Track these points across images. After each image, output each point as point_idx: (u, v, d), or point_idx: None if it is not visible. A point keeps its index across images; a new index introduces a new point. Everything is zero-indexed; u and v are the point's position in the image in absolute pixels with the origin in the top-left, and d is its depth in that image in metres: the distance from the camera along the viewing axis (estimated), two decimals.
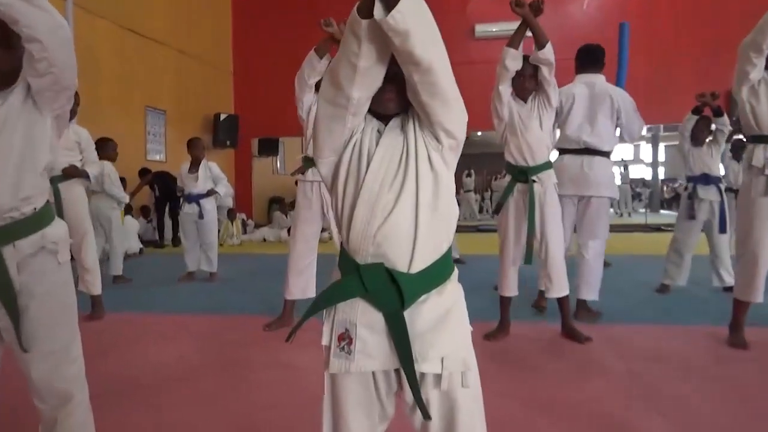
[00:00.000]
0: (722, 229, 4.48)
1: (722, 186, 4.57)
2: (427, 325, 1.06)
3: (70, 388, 1.45)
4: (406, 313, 1.05)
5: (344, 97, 1.02)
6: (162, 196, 9.16)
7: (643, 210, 16.74)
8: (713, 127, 4.58)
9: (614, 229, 10.09)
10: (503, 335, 3.24)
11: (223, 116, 11.22)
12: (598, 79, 3.73)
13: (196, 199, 5.55)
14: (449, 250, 1.12)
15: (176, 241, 9.21)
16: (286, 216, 11.80)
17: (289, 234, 9.91)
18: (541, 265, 3.22)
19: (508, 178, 3.20)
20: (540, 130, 3.08)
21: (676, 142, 4.93)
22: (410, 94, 1.04)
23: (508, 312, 3.28)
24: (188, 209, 5.60)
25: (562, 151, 3.80)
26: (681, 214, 4.69)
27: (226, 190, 5.84)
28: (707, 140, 4.57)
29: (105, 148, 4.97)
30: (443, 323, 1.07)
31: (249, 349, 3.16)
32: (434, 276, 1.08)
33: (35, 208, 1.39)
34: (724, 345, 3.04)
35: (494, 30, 10.56)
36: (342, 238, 1.11)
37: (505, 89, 3.05)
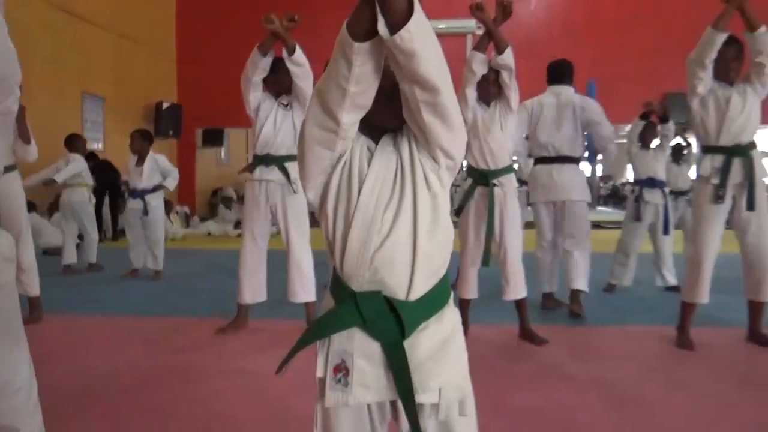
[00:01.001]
0: (666, 231, 4.66)
1: (666, 189, 4.75)
2: (426, 354, 1.01)
3: (15, 423, 1.32)
4: (405, 343, 1.00)
5: (334, 121, 0.96)
6: (100, 187, 8.71)
7: None
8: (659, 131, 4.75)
9: None
10: None
11: (165, 105, 10.81)
12: (565, 90, 3.89)
13: (141, 194, 5.30)
14: (447, 274, 1.08)
15: (116, 235, 8.84)
16: (230, 209, 11.52)
17: (235, 228, 9.74)
18: (500, 267, 3.25)
19: (469, 181, 3.21)
20: (502, 135, 3.09)
21: (618, 142, 5.11)
22: (408, 113, 0.98)
23: (468, 314, 3.29)
24: (133, 205, 5.34)
25: (536, 160, 3.94)
26: (627, 216, 4.85)
27: (174, 183, 5.60)
28: (653, 145, 4.74)
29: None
30: (442, 352, 1.03)
31: (203, 354, 3.04)
32: (433, 302, 1.04)
33: None
34: (674, 346, 3.15)
35: (441, 27, 10.61)
36: (335, 264, 1.05)
37: (471, 92, 3.05)
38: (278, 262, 3.63)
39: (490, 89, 3.09)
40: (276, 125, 3.36)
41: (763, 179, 3.07)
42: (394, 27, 0.84)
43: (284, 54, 3.18)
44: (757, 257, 3.09)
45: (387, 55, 0.91)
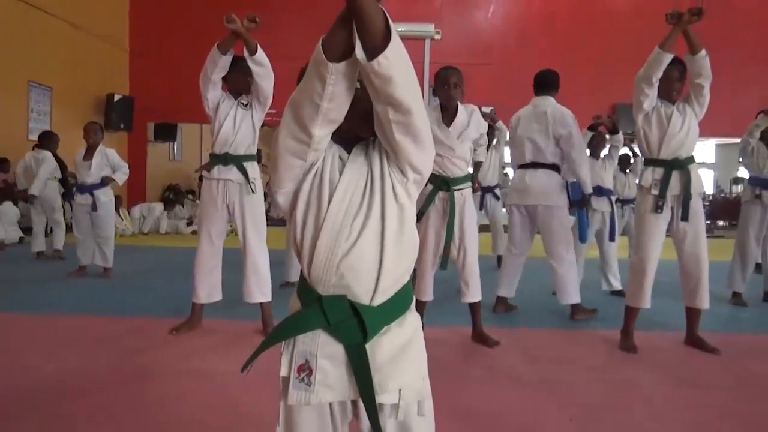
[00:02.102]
0: (612, 238, 4.86)
1: (613, 198, 4.95)
2: (387, 357, 1.05)
3: None
4: (367, 346, 1.04)
5: (306, 134, 0.99)
6: None
7: None
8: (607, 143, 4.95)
9: None
10: None
11: (117, 97, 10.50)
12: (543, 101, 4.02)
13: (89, 189, 5.15)
14: (409, 281, 1.12)
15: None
16: (183, 206, 11.29)
17: (188, 225, 9.56)
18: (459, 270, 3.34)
19: (429, 186, 3.27)
20: (461, 145, 3.21)
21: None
22: (380, 131, 1.01)
23: (423, 316, 3.35)
24: (81, 200, 5.19)
25: (518, 167, 4.06)
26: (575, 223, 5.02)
27: (124, 177, 5.47)
28: (602, 155, 4.93)
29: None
30: (402, 355, 1.08)
31: (156, 355, 2.99)
32: (396, 308, 1.08)
33: None
34: (618, 348, 3.29)
35: (401, 30, 10.66)
36: (302, 268, 1.07)
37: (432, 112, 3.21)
38: (233, 262, 3.60)
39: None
40: (235, 125, 3.34)
41: (700, 191, 3.25)
42: (372, 52, 0.88)
43: (245, 53, 3.17)
44: (693, 267, 3.27)
45: (362, 77, 0.94)
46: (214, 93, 3.29)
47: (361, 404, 1.06)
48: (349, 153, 1.08)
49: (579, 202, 4.04)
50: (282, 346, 1.08)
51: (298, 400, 1.05)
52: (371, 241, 1.03)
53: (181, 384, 2.60)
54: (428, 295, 3.34)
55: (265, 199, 3.56)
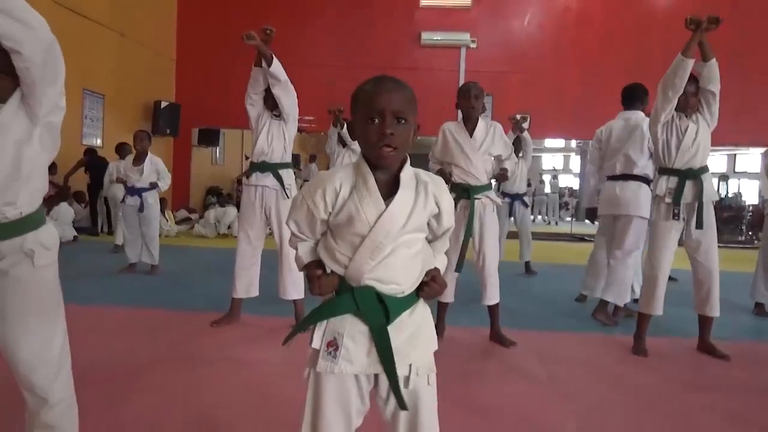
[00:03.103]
0: None
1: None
2: (403, 339, 1.30)
3: (50, 388, 1.54)
4: (388, 328, 1.28)
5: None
6: (95, 182, 8.93)
7: (569, 219, 17.66)
8: None
9: (541, 237, 10.70)
10: (438, 338, 3.50)
11: (164, 104, 11.03)
12: (634, 114, 4.20)
13: (138, 192, 5.55)
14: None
15: (112, 230, 9.02)
16: (223, 207, 11.74)
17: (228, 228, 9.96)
18: (478, 274, 3.55)
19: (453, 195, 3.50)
20: (482, 157, 3.45)
21: None
22: None
23: (444, 317, 3.57)
24: (130, 201, 5.60)
25: (608, 178, 4.29)
26: (599, 231, 5.13)
27: (166, 186, 5.85)
28: None
29: None
30: (415, 337, 1.32)
31: (197, 344, 3.29)
32: (411, 300, 1.32)
33: (21, 213, 1.47)
34: (630, 353, 3.43)
35: (437, 39, 10.92)
36: (338, 267, 1.30)
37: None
38: (270, 262, 3.88)
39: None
40: (269, 136, 3.66)
41: (712, 200, 3.37)
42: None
43: (263, 65, 3.45)
44: (705, 275, 3.39)
45: None
46: (254, 109, 3.64)
47: (381, 377, 1.30)
48: (377, 180, 1.28)
49: None
50: (317, 325, 1.32)
51: (324, 369, 1.29)
52: (400, 257, 1.28)
53: (219, 370, 2.88)
54: (450, 297, 3.55)
55: None
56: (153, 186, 5.65)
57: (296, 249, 1.37)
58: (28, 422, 1.58)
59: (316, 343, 1.31)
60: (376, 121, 1.24)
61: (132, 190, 5.60)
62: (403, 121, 1.25)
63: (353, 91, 1.31)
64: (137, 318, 3.88)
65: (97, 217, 9.11)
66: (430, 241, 1.39)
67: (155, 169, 5.64)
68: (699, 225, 3.32)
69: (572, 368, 3.14)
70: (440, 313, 3.56)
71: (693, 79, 3.31)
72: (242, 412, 2.37)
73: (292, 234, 1.37)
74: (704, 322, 3.47)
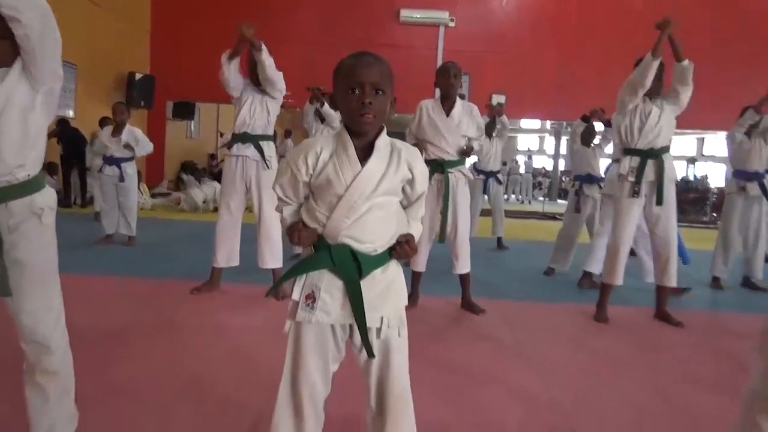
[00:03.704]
0: (602, 222, 5.17)
1: (603, 184, 5.25)
2: (375, 293, 1.42)
3: (51, 335, 1.65)
4: (361, 283, 1.40)
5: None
6: (68, 154, 8.84)
7: (542, 198, 18.01)
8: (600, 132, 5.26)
9: (514, 215, 10.91)
10: (412, 306, 3.67)
11: (138, 76, 10.87)
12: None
13: (117, 162, 5.56)
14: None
15: (85, 202, 8.97)
16: (200, 182, 11.71)
17: (204, 203, 9.97)
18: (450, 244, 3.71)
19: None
20: (456, 134, 3.58)
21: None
22: None
23: (418, 286, 3.73)
24: (108, 171, 5.60)
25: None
26: (568, 208, 5.35)
27: (144, 153, 5.82)
28: (593, 144, 5.24)
29: None
30: (387, 291, 1.44)
31: (179, 311, 3.38)
32: (383, 258, 1.44)
33: (29, 175, 1.58)
34: (593, 320, 3.64)
35: (417, 17, 10.94)
36: (317, 226, 1.41)
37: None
38: (248, 235, 3.97)
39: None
40: (252, 108, 3.74)
41: (672, 178, 3.56)
42: None
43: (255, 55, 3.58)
44: (663, 248, 3.60)
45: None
46: (235, 89, 3.72)
47: (355, 327, 1.43)
48: (356, 147, 1.39)
49: None
50: (296, 279, 1.44)
51: (302, 319, 1.42)
52: (375, 216, 1.39)
53: (202, 335, 2.99)
54: (422, 267, 3.70)
55: None
56: (129, 150, 5.62)
57: (281, 212, 1.49)
58: (28, 375, 1.66)
59: (295, 296, 1.43)
60: (357, 91, 1.35)
61: (110, 160, 5.60)
62: (380, 93, 1.37)
63: (336, 65, 1.42)
64: (117, 287, 3.95)
65: (70, 189, 9.02)
66: (405, 207, 1.50)
67: (134, 138, 5.62)
68: (659, 202, 3.52)
69: (538, 333, 3.34)
70: (414, 282, 3.71)
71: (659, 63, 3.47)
72: (227, 374, 2.47)
73: (278, 198, 1.48)
74: (661, 291, 3.69)
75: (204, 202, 9.89)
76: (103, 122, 7.15)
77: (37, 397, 1.66)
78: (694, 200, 15.42)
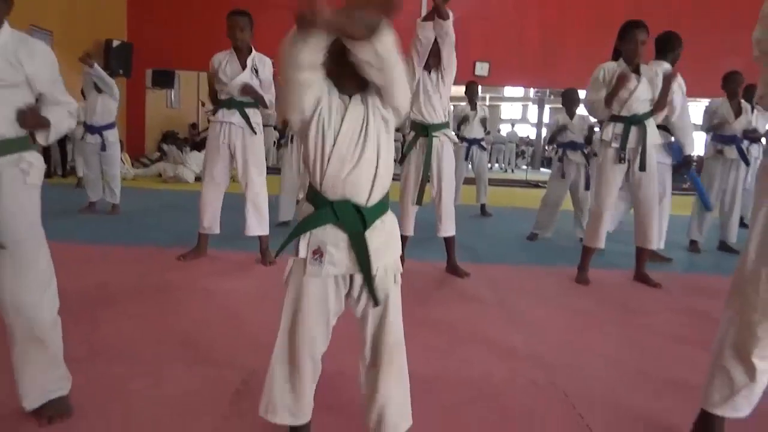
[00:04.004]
0: (586, 187, 5.25)
1: (587, 151, 5.32)
2: (377, 244, 1.47)
3: (40, 302, 1.65)
4: (365, 234, 1.45)
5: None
6: None
7: (525, 167, 18.13)
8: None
9: (498, 183, 10.98)
10: None
11: (116, 43, 10.62)
12: (657, 65, 4.02)
13: (98, 130, 5.49)
14: (387, 191, 1.52)
15: (66, 172, 8.85)
16: (182, 152, 11.58)
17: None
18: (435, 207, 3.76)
19: (412, 134, 3.66)
20: (440, 96, 3.58)
21: (560, 105, 5.62)
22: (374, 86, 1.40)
23: (405, 249, 3.77)
24: (90, 139, 5.53)
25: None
26: (553, 174, 5.42)
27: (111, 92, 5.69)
28: (577, 112, 5.29)
29: None
30: (386, 242, 1.50)
31: (167, 276, 3.41)
32: (382, 209, 1.49)
33: (17, 134, 1.61)
34: (574, 282, 3.74)
35: None
36: (314, 182, 1.46)
37: (417, 59, 3.50)
38: (232, 204, 3.98)
39: (431, 59, 3.53)
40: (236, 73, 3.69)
41: (655, 143, 3.62)
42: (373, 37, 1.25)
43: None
44: (644, 211, 3.68)
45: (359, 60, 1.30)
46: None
47: (354, 278, 1.49)
48: (350, 99, 1.44)
49: (681, 165, 4.38)
50: (300, 237, 1.48)
51: (312, 273, 1.46)
52: (368, 163, 1.43)
53: (192, 298, 3.03)
54: (409, 231, 3.75)
55: None
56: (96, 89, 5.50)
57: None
58: (17, 344, 1.66)
59: (302, 253, 1.48)
60: None
61: (92, 129, 5.53)
62: None
63: None
64: (102, 254, 3.95)
65: (50, 158, 8.88)
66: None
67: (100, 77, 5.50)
68: (642, 167, 3.58)
69: (520, 294, 3.42)
70: (402, 244, 3.75)
71: (643, 28, 3.48)
72: (218, 334, 2.52)
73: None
74: (641, 254, 3.79)
75: (197, 179, 9.72)
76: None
77: (26, 364, 1.67)
78: (674, 167, 15.59)
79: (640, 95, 3.54)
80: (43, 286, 1.68)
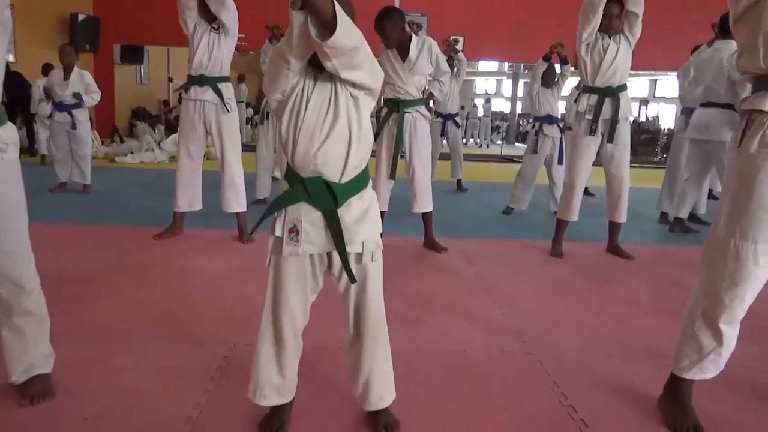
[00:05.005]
0: (560, 161, 5.32)
1: (561, 124, 5.37)
2: (351, 220, 1.47)
3: (26, 275, 1.64)
4: (339, 211, 1.45)
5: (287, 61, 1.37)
6: (11, 100, 8.40)
7: (500, 142, 18.22)
8: (558, 72, 5.33)
9: (473, 158, 11.05)
10: None
11: (81, 17, 10.30)
12: (725, 44, 4.28)
13: (68, 108, 5.35)
14: (366, 167, 1.52)
15: (33, 151, 8.63)
16: (154, 130, 11.37)
17: (159, 146, 9.69)
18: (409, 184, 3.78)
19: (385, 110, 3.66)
20: (412, 74, 3.59)
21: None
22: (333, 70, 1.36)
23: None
24: (59, 117, 5.40)
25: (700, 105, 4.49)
26: (528, 148, 5.46)
27: (93, 102, 5.63)
28: (552, 84, 5.32)
29: None
30: (363, 218, 1.49)
31: (144, 254, 3.38)
32: (357, 186, 1.48)
33: None
34: (548, 254, 3.82)
35: None
36: (288, 159, 1.46)
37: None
38: (209, 182, 3.94)
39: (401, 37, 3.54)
40: (209, 48, 3.60)
41: (627, 116, 3.67)
42: (323, 32, 1.23)
43: None
44: (616, 186, 3.75)
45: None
46: (190, 14, 3.52)
47: (334, 255, 1.49)
48: (318, 75, 1.42)
49: None
50: (276, 216, 1.48)
51: (289, 253, 1.47)
52: (338, 137, 1.42)
53: (170, 275, 3.02)
54: (384, 206, 3.76)
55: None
56: (77, 98, 5.42)
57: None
58: (5, 317, 1.66)
59: (278, 232, 1.48)
60: None
61: (60, 107, 5.39)
62: None
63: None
64: (76, 234, 3.89)
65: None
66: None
67: (83, 81, 5.41)
68: (610, 139, 3.63)
69: (496, 267, 3.49)
70: None
71: (618, 1, 3.51)
72: (198, 310, 2.52)
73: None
74: (613, 227, 3.87)
75: (171, 157, 9.49)
76: (45, 69, 6.83)
77: (15, 338, 1.68)
78: (646, 141, 15.87)
79: (612, 61, 3.57)
80: (29, 259, 1.68)
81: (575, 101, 6.30)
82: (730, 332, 1.65)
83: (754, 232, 1.55)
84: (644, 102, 19.61)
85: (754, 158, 1.54)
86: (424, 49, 3.55)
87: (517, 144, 18.67)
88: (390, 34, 3.48)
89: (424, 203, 3.76)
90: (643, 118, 18.74)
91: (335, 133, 1.41)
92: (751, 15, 1.54)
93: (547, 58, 5.25)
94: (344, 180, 1.45)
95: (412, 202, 3.76)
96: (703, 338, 1.67)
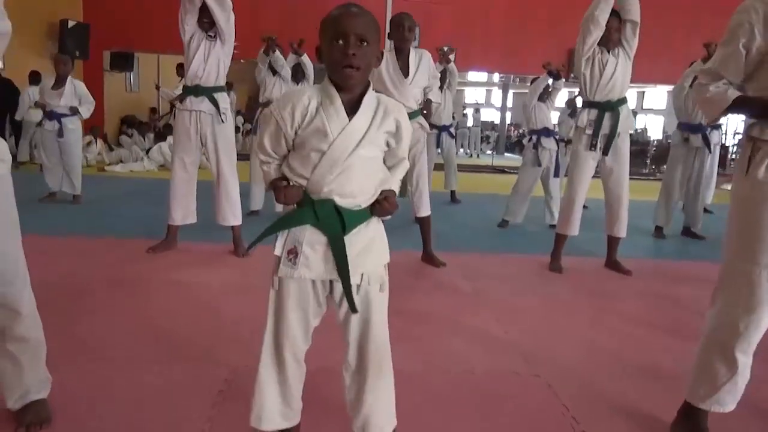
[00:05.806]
0: (556, 174, 5.32)
1: (557, 137, 5.38)
2: (358, 249, 1.42)
3: (21, 299, 1.56)
4: (345, 239, 1.39)
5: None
6: (1, 108, 8.28)
7: (490, 152, 18.28)
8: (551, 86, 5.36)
9: (464, 169, 11.06)
10: None
11: (71, 23, 10.18)
12: None
13: (58, 116, 5.26)
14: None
15: (23, 158, 8.50)
16: (144, 139, 11.26)
17: (148, 155, 9.59)
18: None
19: None
20: (410, 86, 3.56)
21: (525, 91, 5.65)
22: None
23: None
24: (49, 126, 5.31)
25: None
26: (526, 162, 5.44)
27: (88, 113, 5.56)
28: (546, 97, 5.34)
29: None
30: (369, 248, 1.44)
31: (138, 268, 3.31)
32: (366, 214, 1.43)
33: None
34: (547, 269, 3.78)
35: None
36: (298, 179, 1.40)
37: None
38: (202, 193, 3.87)
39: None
40: (204, 58, 3.56)
41: (627, 130, 3.67)
42: None
43: None
44: (615, 200, 3.75)
45: None
46: (191, 21, 3.48)
47: (336, 284, 1.43)
48: (343, 102, 1.37)
49: None
50: (279, 234, 1.43)
51: (285, 274, 1.42)
52: (357, 171, 1.38)
53: (164, 291, 2.95)
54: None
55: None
56: (73, 111, 5.35)
57: (264, 169, 1.46)
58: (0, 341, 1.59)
59: (278, 251, 1.43)
60: (341, 42, 1.32)
61: (51, 114, 5.30)
62: (365, 44, 1.34)
63: (322, 18, 1.38)
64: (68, 246, 3.80)
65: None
66: (388, 166, 1.49)
67: (76, 92, 5.32)
68: (605, 152, 3.62)
69: (496, 283, 3.45)
70: None
71: (615, 14, 3.52)
72: (196, 329, 2.45)
73: (260, 157, 1.45)
74: (612, 241, 3.86)
75: (161, 166, 9.38)
76: (32, 77, 6.72)
77: (9, 365, 1.60)
78: (635, 153, 15.95)
79: (611, 75, 3.56)
80: (23, 282, 1.60)
81: (569, 115, 6.37)
82: (746, 361, 1.62)
83: (766, 258, 1.54)
84: (632, 113, 19.74)
85: (763, 185, 1.55)
86: (422, 63, 3.54)
87: (507, 154, 18.73)
88: (409, 42, 3.49)
89: (425, 208, 3.76)
90: (632, 131, 18.85)
91: (357, 164, 1.38)
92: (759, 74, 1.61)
93: (551, 74, 5.26)
94: (355, 207, 1.40)
95: (414, 208, 3.76)
96: (719, 367, 1.63)
